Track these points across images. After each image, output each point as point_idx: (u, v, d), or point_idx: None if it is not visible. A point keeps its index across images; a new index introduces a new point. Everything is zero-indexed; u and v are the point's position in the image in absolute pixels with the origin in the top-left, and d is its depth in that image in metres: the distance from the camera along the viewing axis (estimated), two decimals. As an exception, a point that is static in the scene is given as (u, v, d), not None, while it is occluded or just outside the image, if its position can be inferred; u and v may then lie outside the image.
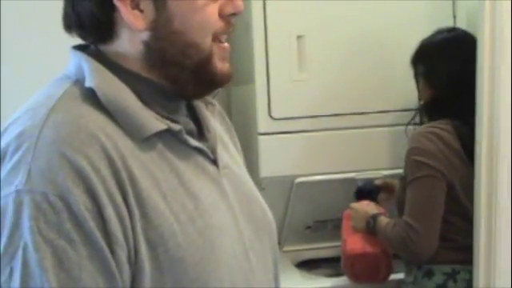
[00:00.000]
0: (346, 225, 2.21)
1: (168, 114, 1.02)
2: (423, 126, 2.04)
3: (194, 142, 1.03)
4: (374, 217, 2.09)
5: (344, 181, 2.28)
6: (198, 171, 1.03)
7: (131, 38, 0.99)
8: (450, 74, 2.02)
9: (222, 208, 1.04)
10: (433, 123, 2.02)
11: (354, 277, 2.17)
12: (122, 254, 0.89)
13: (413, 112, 2.14)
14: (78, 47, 1.03)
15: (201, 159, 1.04)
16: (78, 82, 0.97)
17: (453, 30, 2.12)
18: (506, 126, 1.76)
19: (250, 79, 2.27)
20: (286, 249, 2.53)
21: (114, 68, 0.99)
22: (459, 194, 1.94)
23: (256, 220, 1.13)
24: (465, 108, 1.95)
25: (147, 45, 0.98)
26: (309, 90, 2.26)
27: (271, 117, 2.25)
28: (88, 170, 0.88)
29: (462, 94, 1.98)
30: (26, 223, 0.84)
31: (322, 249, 2.51)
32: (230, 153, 1.17)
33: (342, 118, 2.28)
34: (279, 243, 2.54)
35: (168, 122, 1.00)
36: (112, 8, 0.96)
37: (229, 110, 2.53)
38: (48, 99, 0.95)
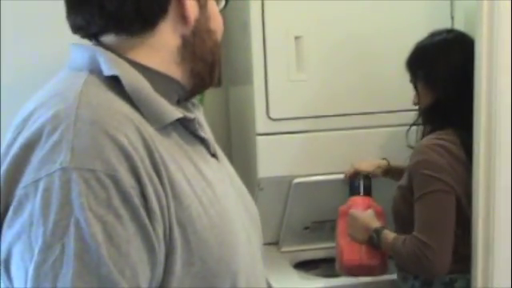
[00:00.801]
0: (341, 226, 2.14)
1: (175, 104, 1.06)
2: (429, 138, 1.95)
3: (201, 132, 1.08)
4: (378, 231, 2.00)
5: (342, 181, 2.26)
6: (204, 160, 1.07)
7: (173, 31, 1.04)
8: (452, 77, 1.96)
9: (229, 196, 1.09)
10: (438, 134, 1.95)
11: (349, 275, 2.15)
12: (160, 232, 0.91)
13: (409, 112, 2.10)
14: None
15: (204, 150, 1.09)
16: (94, 72, 0.99)
17: (451, 32, 2.06)
18: (505, 127, 1.75)
19: (248, 80, 2.27)
20: (284, 249, 2.54)
21: (124, 59, 1.02)
22: (464, 205, 1.88)
23: (250, 210, 1.17)
24: (469, 112, 1.87)
25: (185, 39, 1.05)
26: (307, 91, 2.26)
27: (269, 117, 2.24)
28: (129, 148, 0.90)
29: (464, 97, 1.90)
30: (76, 200, 0.85)
31: (320, 249, 2.51)
32: (219, 152, 1.20)
33: (340, 118, 2.28)
34: (277, 244, 2.54)
35: (182, 110, 1.05)
36: (167, 2, 1.01)
37: (227, 110, 2.53)
38: (72, 85, 0.97)
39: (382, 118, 2.28)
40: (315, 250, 2.52)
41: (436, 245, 1.82)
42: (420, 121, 2.06)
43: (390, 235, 1.96)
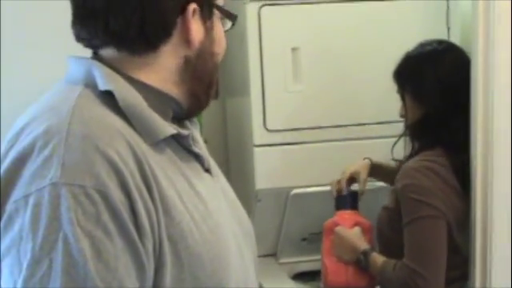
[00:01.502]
0: (326, 244, 2.04)
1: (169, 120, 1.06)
2: (416, 159, 1.87)
3: (195, 148, 1.08)
4: (366, 254, 1.89)
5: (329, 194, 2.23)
6: (198, 176, 1.07)
7: (175, 53, 1.03)
8: (440, 91, 1.86)
9: (222, 211, 1.09)
10: (426, 155, 1.86)
11: None
12: (150, 247, 0.91)
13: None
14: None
15: (198, 166, 1.09)
16: (89, 86, 0.99)
17: (442, 43, 1.97)
18: (503, 143, 1.74)
19: (245, 91, 2.27)
20: (281, 261, 2.54)
21: (122, 75, 1.02)
22: (453, 229, 1.81)
23: (243, 224, 1.17)
24: (458, 128, 1.84)
25: (187, 60, 1.04)
26: (304, 102, 2.26)
27: (266, 128, 2.25)
28: (120, 164, 0.90)
29: (454, 112, 1.85)
30: (64, 215, 0.85)
31: (318, 261, 2.48)
32: (213, 166, 1.20)
33: (337, 129, 2.29)
34: (275, 255, 2.52)
35: (176, 126, 1.05)
36: (175, 24, 1.01)
37: (224, 121, 2.52)
38: (66, 99, 0.97)
39: (380, 128, 2.28)
40: (313, 261, 2.49)
41: (427, 273, 1.74)
42: (407, 135, 1.97)
43: (378, 259, 1.87)
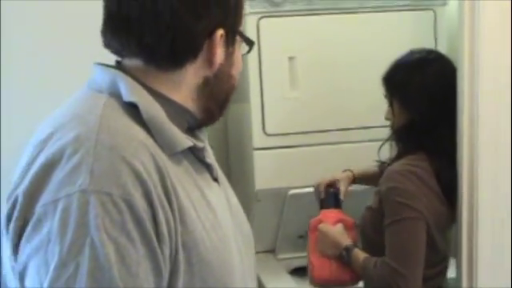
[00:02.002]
0: (311, 241, 2.02)
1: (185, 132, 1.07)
2: (400, 163, 1.87)
3: (208, 160, 1.09)
4: (348, 249, 1.89)
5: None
6: (208, 186, 1.07)
7: (197, 72, 1.04)
8: (427, 98, 1.85)
9: (228, 219, 1.10)
10: (410, 159, 1.86)
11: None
12: (167, 253, 0.92)
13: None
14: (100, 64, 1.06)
15: (208, 175, 1.09)
16: (113, 95, 0.99)
17: (431, 52, 1.96)
18: (489, 148, 1.74)
19: (245, 98, 2.29)
20: (280, 256, 2.55)
21: (144, 87, 1.02)
22: (433, 231, 1.81)
23: (243, 230, 1.18)
24: (443, 135, 1.85)
25: (207, 80, 1.05)
26: (300, 108, 2.28)
27: (265, 133, 2.27)
28: (144, 175, 0.91)
29: (439, 120, 1.85)
30: (92, 221, 0.86)
31: (314, 256, 2.52)
32: (218, 172, 1.20)
33: (332, 133, 2.30)
34: (274, 251, 2.55)
35: (192, 139, 1.05)
36: (202, 47, 1.02)
37: (225, 127, 2.55)
38: (93, 107, 0.97)
39: (372, 132, 2.27)
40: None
41: (407, 272, 1.74)
42: (392, 139, 1.97)
43: (360, 255, 1.87)
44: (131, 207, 0.88)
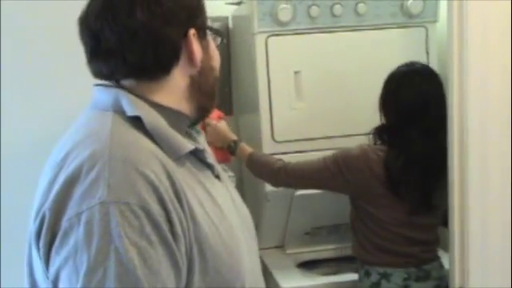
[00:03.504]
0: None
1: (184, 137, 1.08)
2: (369, 145, 2.01)
3: (209, 160, 1.10)
4: (236, 142, 2.13)
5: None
6: (211, 183, 1.08)
7: (183, 73, 1.05)
8: (401, 105, 1.96)
9: (233, 213, 1.11)
10: (375, 146, 1.99)
11: None
12: (183, 250, 0.94)
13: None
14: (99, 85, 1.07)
15: (209, 173, 1.10)
16: (118, 112, 1.01)
17: (411, 65, 2.04)
18: (477, 151, 1.70)
19: (255, 108, 2.30)
20: (288, 251, 2.54)
21: (144, 100, 1.03)
22: (365, 203, 1.97)
23: (245, 220, 1.19)
24: (408, 138, 1.92)
25: (193, 78, 1.06)
26: (305, 117, 2.28)
27: (274, 140, 2.26)
28: (156, 182, 0.92)
29: (410, 124, 1.93)
30: (114, 229, 0.87)
31: (319, 251, 2.51)
32: (220, 169, 1.21)
33: (334, 139, 2.29)
34: (282, 247, 2.54)
35: (193, 142, 1.07)
36: (181, 48, 1.03)
37: (238, 134, 2.53)
38: (102, 125, 0.98)
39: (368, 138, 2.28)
40: (315, 251, 2.52)
41: (292, 181, 2.02)
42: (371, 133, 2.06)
43: (247, 147, 2.12)
44: (148, 213, 0.89)
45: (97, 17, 1.01)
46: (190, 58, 1.04)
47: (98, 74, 1.05)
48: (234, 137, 2.16)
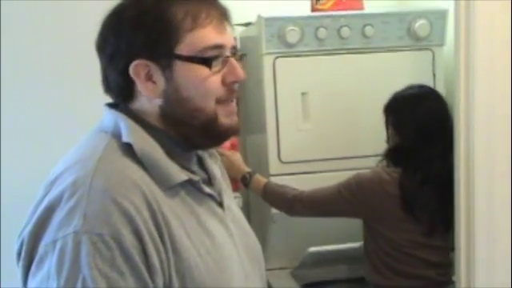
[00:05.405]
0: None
1: (185, 163, 1.05)
2: (383, 167, 2.03)
3: (206, 190, 1.08)
4: (250, 173, 2.13)
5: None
6: (210, 213, 1.07)
7: (149, 102, 1.03)
8: (416, 126, 1.98)
9: (229, 242, 1.08)
10: (389, 168, 2.00)
11: None
12: (160, 283, 0.93)
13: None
14: (110, 104, 1.08)
15: (211, 203, 1.09)
16: (115, 136, 1.01)
17: (422, 87, 2.07)
18: (484, 167, 1.74)
19: (262, 129, 2.31)
20: (293, 273, 2.50)
21: (142, 123, 1.02)
22: (380, 226, 1.97)
23: (251, 250, 1.16)
24: (425, 157, 1.94)
25: (161, 108, 1.02)
26: (312, 138, 2.30)
27: (281, 160, 2.28)
28: (134, 213, 0.92)
29: (423, 145, 1.95)
30: (84, 259, 0.88)
31: (324, 272, 2.50)
32: (228, 195, 1.19)
33: (341, 161, 2.30)
34: (288, 268, 2.53)
35: (188, 173, 1.04)
36: (129, 82, 1.02)
37: (244, 155, 2.55)
38: (94, 151, 0.99)
39: (376, 160, 2.28)
40: (319, 272, 2.51)
41: (306, 212, 2.02)
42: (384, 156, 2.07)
43: (261, 178, 2.13)
44: (120, 244, 0.89)
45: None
46: (141, 90, 1.01)
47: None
48: (247, 168, 2.16)
